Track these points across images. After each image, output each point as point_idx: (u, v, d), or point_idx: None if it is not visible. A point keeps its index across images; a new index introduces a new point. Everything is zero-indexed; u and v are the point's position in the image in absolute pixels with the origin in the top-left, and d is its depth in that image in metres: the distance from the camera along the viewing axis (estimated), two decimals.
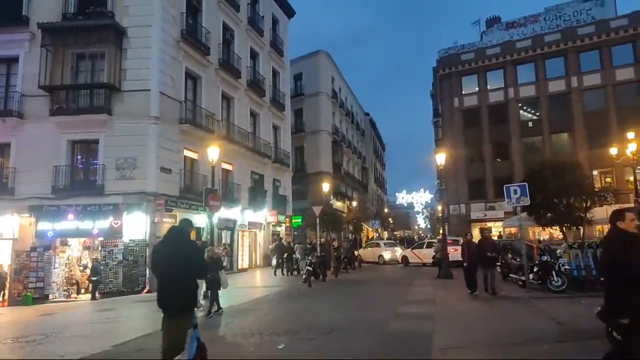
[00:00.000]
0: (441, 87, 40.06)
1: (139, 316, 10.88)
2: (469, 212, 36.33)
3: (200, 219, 18.49)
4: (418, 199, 75.09)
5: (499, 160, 35.70)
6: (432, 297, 11.61)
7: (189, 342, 4.81)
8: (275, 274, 20.31)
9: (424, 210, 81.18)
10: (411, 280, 16.77)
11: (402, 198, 77.20)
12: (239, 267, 23.06)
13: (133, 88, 17.56)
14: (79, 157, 18.19)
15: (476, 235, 35.35)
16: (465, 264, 12.26)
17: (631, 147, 20.50)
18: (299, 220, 29.66)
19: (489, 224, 35.93)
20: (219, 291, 9.97)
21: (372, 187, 58.30)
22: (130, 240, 16.36)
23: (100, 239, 16.77)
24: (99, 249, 16.83)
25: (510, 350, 6.13)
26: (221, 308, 9.92)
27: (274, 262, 23.22)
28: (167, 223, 17.35)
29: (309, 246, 20.31)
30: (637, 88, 31.47)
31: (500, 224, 32.63)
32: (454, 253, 18.72)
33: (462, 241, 14.36)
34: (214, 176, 17.45)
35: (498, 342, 6.52)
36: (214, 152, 14.50)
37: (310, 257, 17.07)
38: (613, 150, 22.76)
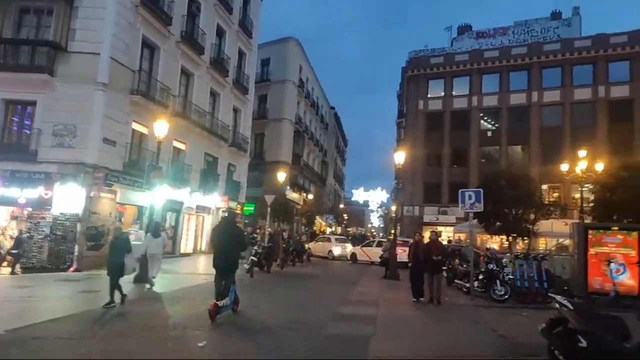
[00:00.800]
0: (408, 88, 40.15)
1: (57, 297, 9.85)
2: (422, 214, 36.67)
3: (143, 198, 17.38)
4: (374, 198, 75.65)
5: (456, 166, 36.18)
6: (376, 299, 11.24)
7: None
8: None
9: (379, 209, 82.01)
10: (358, 278, 16.44)
11: (359, 195, 77.63)
12: (182, 251, 22.04)
13: (81, 50, 16.14)
14: (14, 118, 16.62)
15: (427, 238, 36.27)
16: (410, 265, 11.75)
17: (581, 165, 21.02)
18: (252, 208, 28.79)
19: (441, 228, 36.47)
20: (120, 277, 8.52)
21: (331, 181, 58.05)
22: (61, 213, 15.05)
23: (29, 209, 15.36)
24: (26, 219, 15.42)
25: None
26: (125, 295, 8.60)
27: None
28: (106, 199, 16.22)
29: (253, 235, 19.51)
30: (592, 108, 32.62)
31: (451, 228, 33.07)
32: (402, 254, 18.56)
33: (411, 241, 13.75)
34: (160, 153, 16.33)
35: (438, 355, 6.13)
36: (161, 127, 13.47)
37: (255, 247, 16.40)
38: (564, 167, 23.32)
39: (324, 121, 52.38)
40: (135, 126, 18.10)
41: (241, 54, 27.90)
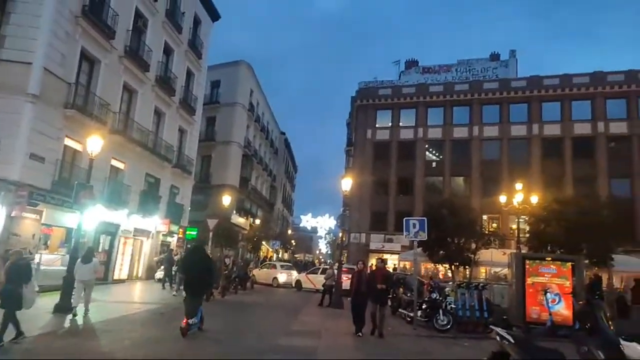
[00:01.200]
0: (357, 117, 40.88)
1: None
2: (369, 241, 36.82)
3: (73, 219, 16.07)
4: (322, 224, 75.50)
5: (402, 195, 36.87)
6: (319, 329, 10.81)
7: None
8: (163, 288, 18.40)
9: (327, 235, 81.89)
10: (301, 307, 15.92)
11: (307, 221, 77.17)
12: (116, 277, 20.55)
13: (11, 58, 15.01)
14: None
15: (374, 266, 36.32)
16: (352, 294, 10.94)
17: (518, 198, 21.95)
18: (194, 232, 27.61)
19: (386, 256, 36.72)
20: (18, 310, 7.19)
21: (279, 207, 57.42)
22: None
23: None
24: None
25: None
26: (22, 333, 7.25)
27: (158, 274, 21.16)
28: (29, 219, 14.85)
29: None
30: (527, 144, 34.57)
31: (397, 256, 33.36)
32: (347, 282, 18.28)
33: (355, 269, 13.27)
34: (95, 171, 15.25)
35: None
36: (95, 142, 12.56)
37: None
38: (502, 198, 24.27)
39: (273, 146, 52.12)
40: (69, 142, 16.91)
41: (189, 74, 27.25)
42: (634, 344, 4.96)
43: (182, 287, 15.60)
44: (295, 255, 71.35)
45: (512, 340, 5.15)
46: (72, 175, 16.95)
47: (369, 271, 12.16)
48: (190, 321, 8.44)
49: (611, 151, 32.81)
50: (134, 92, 21.32)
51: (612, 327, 4.40)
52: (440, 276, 27.34)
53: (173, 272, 18.51)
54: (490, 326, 6.03)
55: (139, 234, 22.43)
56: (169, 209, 25.16)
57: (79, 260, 10.85)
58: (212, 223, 19.21)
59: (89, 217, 17.52)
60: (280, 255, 55.15)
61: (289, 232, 65.49)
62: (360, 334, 10.12)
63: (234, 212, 37.06)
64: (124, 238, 21.28)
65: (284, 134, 58.17)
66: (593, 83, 33.79)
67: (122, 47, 19.84)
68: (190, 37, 26.71)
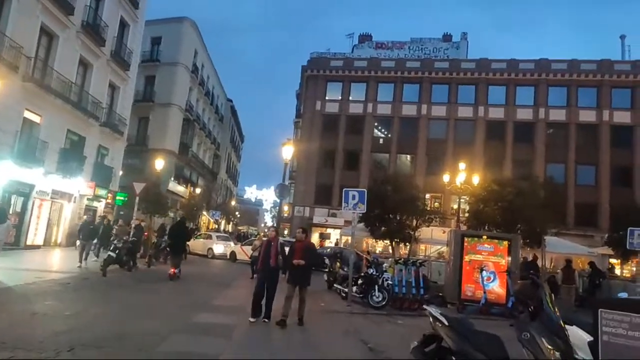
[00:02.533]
0: (307, 87, 39.68)
1: None
2: (313, 215, 36.31)
3: None
4: (268, 197, 74.40)
5: (349, 169, 36.43)
6: (245, 303, 9.90)
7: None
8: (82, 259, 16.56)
9: (273, 208, 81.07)
10: (232, 279, 15.01)
11: (251, 193, 75.79)
12: (29, 242, 18.58)
13: None
14: None
15: (314, 241, 35.91)
16: (257, 268, 8.76)
17: (460, 177, 21.99)
18: (125, 197, 25.65)
19: (330, 230, 36.53)
20: None
21: (223, 176, 55.48)
22: None
23: None
24: None
25: None
26: None
27: (77, 242, 19.36)
28: None
29: (115, 227, 16.95)
30: (472, 126, 35.03)
31: (339, 231, 33.12)
32: None
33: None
34: None
35: None
36: None
37: (116, 242, 14.13)
38: (445, 177, 24.33)
39: (219, 112, 49.83)
40: None
41: (124, 25, 24.77)
42: (574, 327, 4.46)
43: (88, 259, 14.27)
44: (239, 228, 70.00)
45: (446, 322, 4.50)
46: None
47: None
48: (176, 271, 13.14)
49: (549, 137, 33.97)
50: (54, 37, 18.93)
51: (557, 312, 3.81)
52: (380, 250, 27.38)
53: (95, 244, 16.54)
54: (424, 306, 5.38)
55: (58, 197, 20.36)
56: (96, 171, 23.08)
57: None
58: (138, 187, 17.65)
59: None
60: (223, 227, 53.67)
61: (233, 203, 63.87)
62: (255, 318, 7.82)
63: (172, 179, 35.14)
64: (40, 200, 19.21)
65: (230, 101, 55.77)
66: (538, 69, 34.56)
67: None
68: None
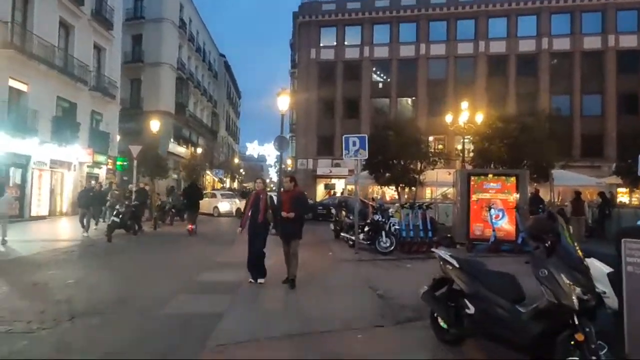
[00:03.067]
0: (300, 35, 38.22)
1: None
2: (316, 167, 36.07)
3: None
4: (271, 152, 74.01)
5: (349, 118, 35.74)
6: None
7: None
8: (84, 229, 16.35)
9: (277, 163, 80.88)
10: (237, 236, 14.95)
11: (253, 149, 75.34)
12: (34, 213, 18.56)
13: None
14: None
15: (320, 193, 35.86)
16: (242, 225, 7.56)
17: (463, 117, 21.42)
18: (126, 162, 25.39)
19: (334, 181, 36.40)
20: None
21: (223, 134, 54.93)
22: None
23: None
24: None
25: (315, 343, 4.51)
26: None
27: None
28: None
29: (112, 192, 16.68)
30: (473, 62, 33.90)
31: (344, 180, 32.98)
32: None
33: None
34: None
35: (301, 331, 4.87)
36: None
37: (119, 207, 14.00)
38: (448, 118, 23.75)
39: (212, 69, 48.48)
40: None
41: None
42: (592, 259, 4.22)
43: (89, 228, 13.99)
44: (244, 185, 70.20)
45: (456, 264, 4.27)
46: None
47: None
48: (193, 227, 14.79)
49: (553, 68, 32.86)
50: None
51: (576, 245, 3.54)
52: (388, 198, 27.31)
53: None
54: (432, 249, 5.14)
55: (57, 166, 20.16)
56: (93, 138, 22.74)
57: None
58: (135, 150, 17.31)
59: None
60: (227, 185, 53.74)
61: (236, 160, 63.65)
62: (259, 280, 7.24)
63: (172, 140, 34.73)
64: (39, 170, 19.01)
65: (223, 56, 54.09)
66: None
67: None
68: None
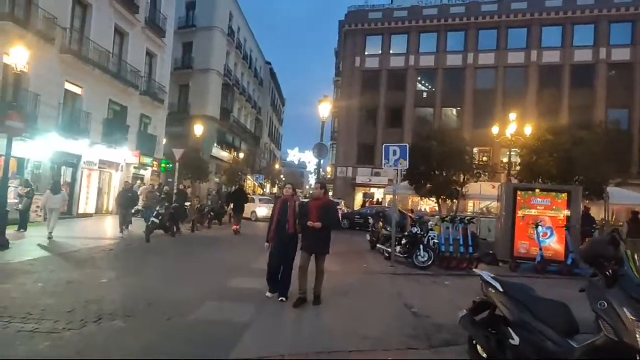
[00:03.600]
0: (345, 43, 38.17)
1: None
2: (356, 175, 35.74)
3: (25, 149, 14.62)
4: (311, 159, 74.28)
5: (391, 127, 35.23)
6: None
7: None
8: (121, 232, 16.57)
9: (317, 170, 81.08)
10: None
11: (294, 156, 75.82)
12: (82, 211, 19.31)
13: None
14: None
15: (358, 202, 35.41)
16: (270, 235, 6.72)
17: (511, 129, 20.57)
18: (171, 165, 26.06)
19: (374, 190, 35.94)
20: None
21: (265, 141, 55.62)
22: None
23: None
24: None
25: None
26: None
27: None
28: None
29: (156, 193, 16.97)
30: (524, 73, 32.59)
31: (383, 190, 32.47)
32: None
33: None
34: (18, 88, 13.35)
35: (327, 348, 4.61)
36: (20, 54, 10.63)
37: (159, 208, 14.26)
38: (495, 130, 22.85)
39: (258, 76, 49.30)
40: (8, 60, 14.84)
41: None
42: None
43: (128, 228, 14.14)
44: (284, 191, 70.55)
45: (501, 289, 3.89)
46: (18, 100, 15.06)
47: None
48: (238, 227, 16.36)
49: (611, 80, 31.05)
50: (88, 6, 18.88)
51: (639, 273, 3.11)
52: (429, 210, 26.59)
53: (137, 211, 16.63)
54: (474, 270, 4.76)
55: (105, 166, 20.92)
56: (141, 140, 23.49)
57: (48, 191, 12.54)
58: (178, 153, 17.67)
59: (40, 147, 16.00)
60: (268, 190, 54.27)
61: (277, 166, 64.27)
62: (273, 293, 6.69)
63: (215, 144, 35.43)
64: (89, 170, 19.78)
65: (269, 63, 54.95)
66: (598, 5, 31.23)
67: None
68: None
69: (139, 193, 16.70)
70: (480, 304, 4.19)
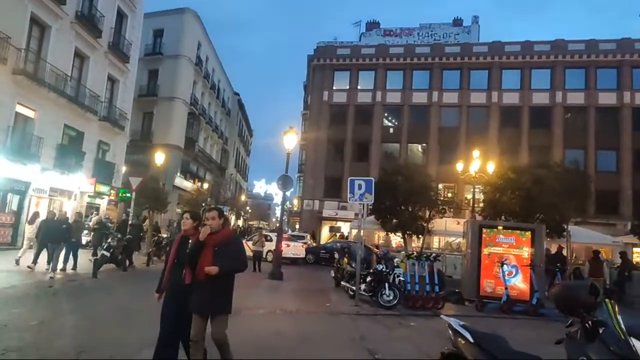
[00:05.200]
0: (314, 78, 38.60)
1: None
2: (322, 209, 35.40)
3: None
4: (278, 191, 73.77)
5: (358, 161, 35.38)
6: (239, 308, 9.03)
7: None
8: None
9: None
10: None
11: (260, 187, 75.07)
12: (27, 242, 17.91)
13: None
14: None
15: (324, 236, 35.00)
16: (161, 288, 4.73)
17: (474, 166, 20.91)
18: (128, 193, 24.94)
19: (340, 224, 35.60)
20: None
21: (231, 171, 54.78)
22: None
23: None
24: None
25: None
26: None
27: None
28: None
29: (107, 224, 16.01)
30: (486, 112, 33.67)
31: (349, 224, 32.19)
32: (287, 249, 16.72)
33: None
34: None
35: None
36: None
37: (110, 240, 13.37)
38: (459, 166, 23.20)
39: (225, 106, 48.95)
40: None
41: (121, 15, 23.94)
42: (632, 339, 3.46)
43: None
44: (250, 223, 69.37)
45: (471, 339, 3.53)
46: None
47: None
48: None
49: (567, 122, 32.51)
50: (46, 28, 18.17)
51: (622, 328, 2.82)
52: (394, 245, 26.39)
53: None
54: (442, 317, 4.40)
55: (57, 194, 19.70)
56: (97, 168, 22.42)
57: None
58: (134, 182, 16.83)
59: None
60: (233, 223, 53.05)
61: (243, 198, 63.22)
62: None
63: (178, 174, 34.49)
64: (37, 198, 18.54)
65: (237, 94, 54.83)
66: (554, 51, 33.01)
67: None
68: None
69: (90, 223, 15.59)
70: (449, 356, 3.81)
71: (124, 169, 26.14)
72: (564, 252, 16.01)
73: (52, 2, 17.86)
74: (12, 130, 16.47)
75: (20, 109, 16.92)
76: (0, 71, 15.28)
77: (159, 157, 20.58)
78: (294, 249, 21.63)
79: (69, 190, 20.50)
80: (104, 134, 23.00)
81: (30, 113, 17.53)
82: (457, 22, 46.51)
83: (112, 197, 24.58)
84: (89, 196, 22.33)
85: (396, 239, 25.91)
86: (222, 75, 46.97)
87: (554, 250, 16.80)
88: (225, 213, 5.42)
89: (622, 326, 2.85)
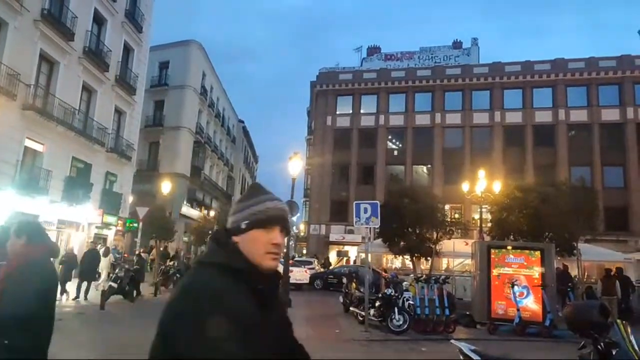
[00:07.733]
0: (317, 103, 39.11)
1: None
2: (329, 233, 35.26)
3: None
4: None
5: (363, 184, 35.43)
6: None
7: None
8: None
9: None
10: None
11: None
12: None
13: None
14: None
15: (334, 261, 34.79)
16: None
17: (480, 186, 20.87)
18: (136, 223, 25.04)
19: (347, 248, 35.37)
20: None
21: (238, 198, 54.88)
22: None
23: None
24: None
25: None
26: None
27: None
28: None
29: (116, 255, 16.14)
30: (489, 132, 33.78)
31: (356, 248, 31.98)
32: (290, 274, 16.62)
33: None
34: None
35: None
36: None
37: (117, 271, 13.38)
38: (465, 187, 23.16)
39: (230, 134, 49.49)
40: None
41: (128, 49, 24.56)
42: None
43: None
44: None
45: None
46: None
47: None
48: None
49: (571, 139, 32.51)
50: (55, 64, 18.65)
51: (635, 348, 2.78)
52: (400, 266, 26.15)
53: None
54: (452, 341, 4.35)
55: (64, 226, 19.80)
56: (105, 198, 22.59)
57: None
58: (141, 211, 16.95)
59: None
60: None
61: None
62: None
63: (185, 202, 34.61)
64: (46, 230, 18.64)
65: (242, 121, 55.49)
66: (554, 70, 33.31)
67: (38, 10, 17.16)
68: (127, 7, 23.99)
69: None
70: None
71: (130, 198, 26.32)
72: (572, 272, 15.76)
73: (60, 39, 18.39)
74: (21, 164, 16.72)
75: (29, 143, 17.22)
76: (10, 107, 15.63)
77: (166, 186, 20.76)
78: (298, 274, 21.48)
79: (77, 221, 20.61)
80: (111, 165, 23.28)
81: (39, 147, 17.82)
82: (457, 45, 47.25)
83: (120, 228, 24.65)
84: (96, 227, 22.41)
85: (396, 263, 25.75)
86: (226, 103, 47.66)
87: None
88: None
89: (636, 347, 2.81)
